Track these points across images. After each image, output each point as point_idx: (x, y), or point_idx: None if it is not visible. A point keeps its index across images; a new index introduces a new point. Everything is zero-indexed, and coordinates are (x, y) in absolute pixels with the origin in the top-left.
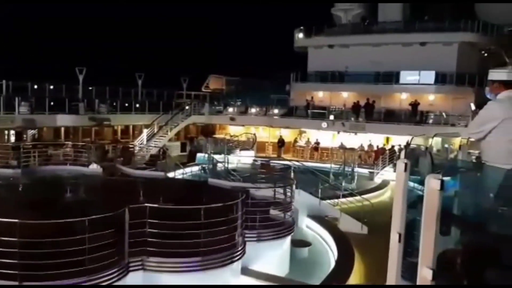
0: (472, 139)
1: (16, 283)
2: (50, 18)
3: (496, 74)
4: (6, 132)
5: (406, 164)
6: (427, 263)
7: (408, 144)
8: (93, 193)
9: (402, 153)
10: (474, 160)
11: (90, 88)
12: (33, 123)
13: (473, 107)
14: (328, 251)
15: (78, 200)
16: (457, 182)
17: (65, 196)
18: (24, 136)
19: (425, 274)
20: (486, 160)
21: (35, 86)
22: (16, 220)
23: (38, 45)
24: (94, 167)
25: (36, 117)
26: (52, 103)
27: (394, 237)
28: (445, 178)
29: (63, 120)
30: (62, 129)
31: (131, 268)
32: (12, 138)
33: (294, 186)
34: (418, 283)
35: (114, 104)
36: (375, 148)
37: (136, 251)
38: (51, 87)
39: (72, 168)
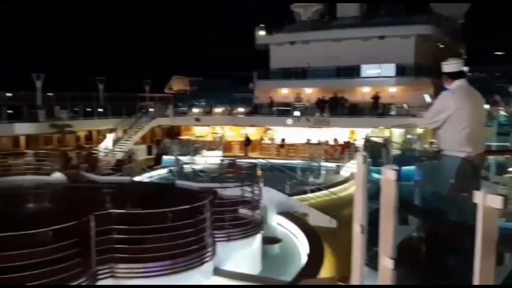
0: (428, 129)
1: None
2: (2, 23)
3: (445, 67)
4: None
5: (365, 156)
6: (387, 253)
7: (367, 137)
8: (57, 202)
9: (362, 146)
10: (435, 149)
11: (49, 94)
12: None
13: (427, 98)
14: (299, 246)
15: (41, 210)
16: (417, 172)
17: (26, 207)
18: None
19: (386, 263)
20: (443, 148)
21: None
22: None
23: None
24: (57, 176)
25: None
26: (9, 111)
27: (356, 229)
28: (406, 168)
29: (22, 128)
30: (22, 137)
31: (99, 276)
32: None
33: (261, 184)
34: (379, 272)
35: (76, 109)
36: (341, 142)
37: (104, 259)
38: (8, 94)
39: (34, 177)
